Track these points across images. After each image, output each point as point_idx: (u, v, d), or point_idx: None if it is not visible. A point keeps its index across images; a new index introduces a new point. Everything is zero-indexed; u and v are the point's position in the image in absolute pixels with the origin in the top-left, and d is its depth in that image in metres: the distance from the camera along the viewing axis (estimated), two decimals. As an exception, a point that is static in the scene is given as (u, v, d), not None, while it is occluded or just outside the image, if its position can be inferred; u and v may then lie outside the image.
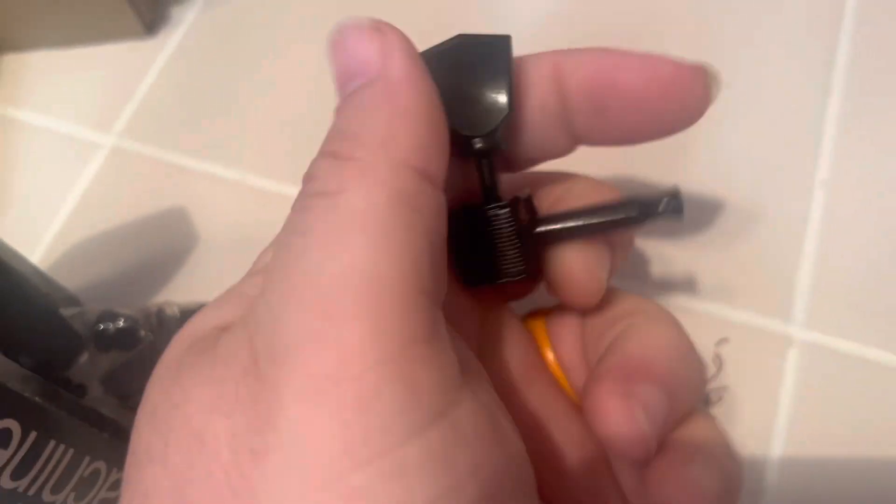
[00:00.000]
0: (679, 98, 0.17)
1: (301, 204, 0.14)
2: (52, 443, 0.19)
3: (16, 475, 0.18)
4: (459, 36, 0.18)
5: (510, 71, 0.17)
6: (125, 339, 0.25)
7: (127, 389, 0.25)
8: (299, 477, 0.12)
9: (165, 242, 0.30)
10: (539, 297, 0.20)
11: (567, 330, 0.20)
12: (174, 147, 0.32)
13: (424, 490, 0.12)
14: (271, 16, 0.35)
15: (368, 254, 0.13)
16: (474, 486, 0.13)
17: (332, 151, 0.15)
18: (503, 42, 0.17)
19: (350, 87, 0.16)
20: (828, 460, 0.24)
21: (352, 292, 0.13)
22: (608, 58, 0.17)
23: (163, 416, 0.14)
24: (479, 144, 0.17)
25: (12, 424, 0.17)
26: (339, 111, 0.16)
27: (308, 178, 0.15)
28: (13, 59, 0.35)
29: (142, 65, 0.34)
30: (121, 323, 0.26)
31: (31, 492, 0.18)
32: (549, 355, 0.20)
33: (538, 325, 0.21)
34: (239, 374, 0.13)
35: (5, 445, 0.17)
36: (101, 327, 0.26)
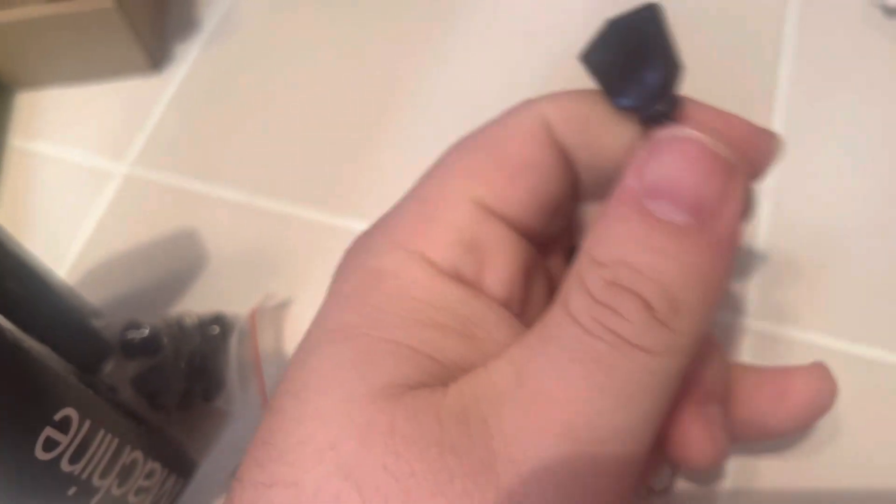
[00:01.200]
0: (752, 156, 0.18)
1: (603, 324, 0.15)
2: (101, 431, 0.21)
3: (73, 459, 0.20)
4: (609, 21, 0.17)
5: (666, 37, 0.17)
6: (149, 347, 0.28)
7: (154, 390, 0.27)
8: None
9: (178, 262, 0.33)
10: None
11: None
12: (183, 173, 0.35)
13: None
14: (270, 49, 0.38)
15: (642, 420, 0.15)
16: None
17: (645, 301, 0.15)
18: (651, 13, 0.17)
19: (658, 208, 0.15)
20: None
21: (613, 450, 0.14)
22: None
23: (368, 477, 0.14)
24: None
25: (71, 413, 0.20)
26: (636, 227, 0.15)
27: (618, 319, 0.15)
28: (29, 96, 0.38)
29: (150, 98, 0.37)
30: (145, 332, 0.28)
31: (84, 476, 0.21)
32: None
33: None
34: (470, 471, 0.14)
35: (66, 431, 0.20)
36: (127, 336, 0.28)
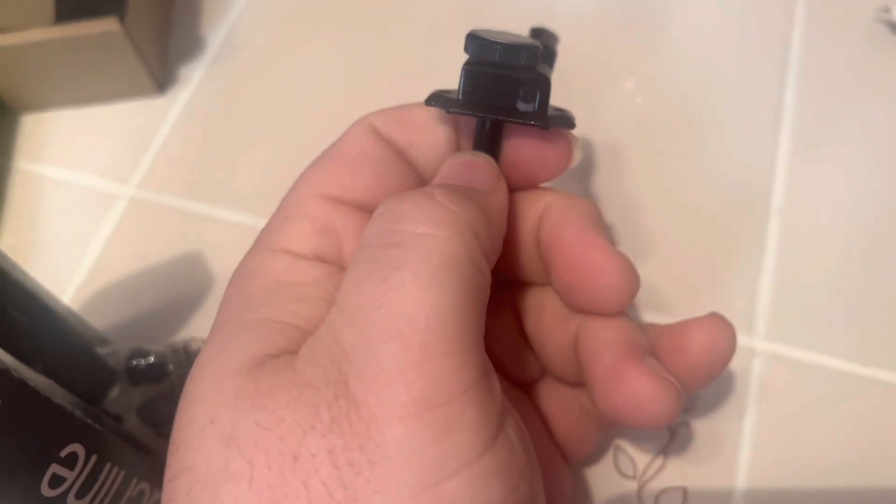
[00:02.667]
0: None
1: (389, 236, 0.17)
2: (108, 465, 0.21)
3: (79, 494, 0.20)
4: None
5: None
6: (155, 373, 0.28)
7: (160, 419, 0.27)
8: (400, 485, 0.14)
9: (184, 286, 0.33)
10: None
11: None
12: (189, 195, 0.35)
13: (499, 491, 0.15)
14: (274, 70, 0.38)
15: (457, 298, 0.16)
16: (525, 484, 0.16)
17: (428, 192, 0.18)
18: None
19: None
20: (795, 460, 0.27)
21: (444, 331, 0.15)
22: None
23: (245, 437, 0.15)
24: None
25: (77, 448, 0.20)
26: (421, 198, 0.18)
27: (396, 212, 0.17)
28: (34, 118, 0.38)
29: (155, 120, 0.37)
30: (151, 359, 0.28)
31: (90, 510, 0.21)
32: None
33: None
34: (330, 398, 0.15)
35: (72, 467, 0.20)
36: (133, 363, 0.28)
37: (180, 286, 0.33)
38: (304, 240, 0.20)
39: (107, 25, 0.34)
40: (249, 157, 0.36)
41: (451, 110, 0.21)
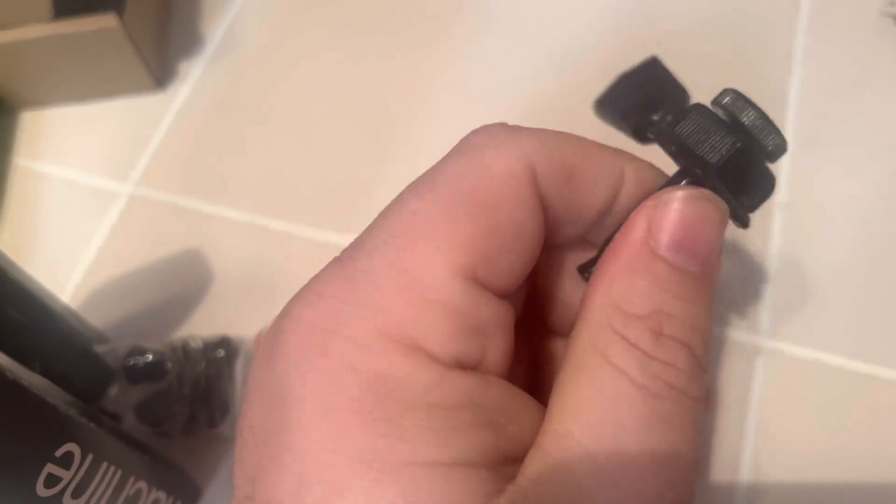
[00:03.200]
0: None
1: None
2: (104, 464, 0.21)
3: (75, 494, 0.20)
4: (621, 74, 0.19)
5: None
6: (154, 372, 0.28)
7: (158, 417, 0.27)
8: None
9: (182, 283, 0.33)
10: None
11: None
12: (188, 192, 0.34)
13: None
14: (273, 66, 0.38)
15: None
16: None
17: (692, 349, 0.16)
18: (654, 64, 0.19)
19: (678, 260, 0.16)
20: (799, 456, 0.26)
21: None
22: None
23: None
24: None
25: (73, 448, 0.20)
26: (665, 278, 0.16)
27: (667, 321, 0.15)
28: (33, 116, 0.38)
29: (154, 117, 0.37)
30: (149, 357, 0.28)
31: (87, 509, 0.21)
32: None
33: None
34: None
35: (68, 467, 0.19)
36: (131, 362, 0.28)
37: (179, 284, 0.33)
38: (446, 339, 0.15)
39: (105, 21, 0.34)
40: (249, 153, 0.35)
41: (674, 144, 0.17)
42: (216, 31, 0.39)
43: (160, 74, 0.37)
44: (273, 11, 0.39)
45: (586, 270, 0.18)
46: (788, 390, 0.27)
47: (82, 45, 0.35)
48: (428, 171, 0.17)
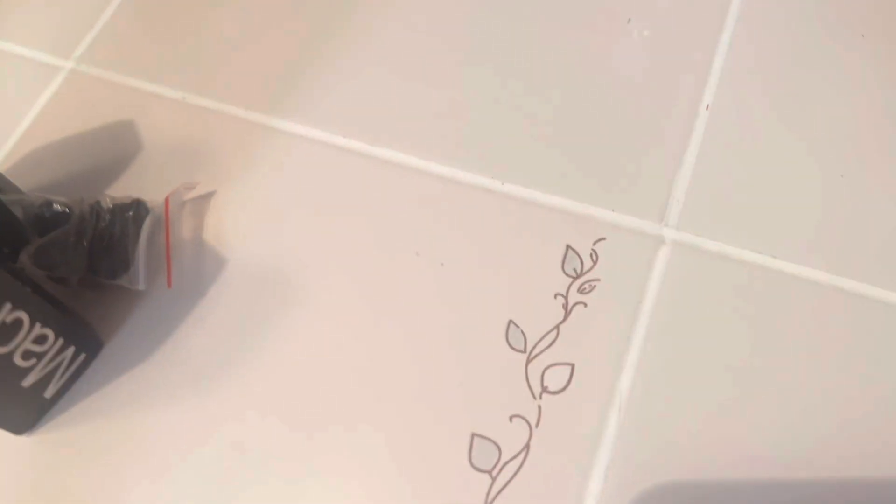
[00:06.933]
0: None
1: None
2: (7, 305, 0.21)
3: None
4: None
5: None
6: (59, 224, 0.28)
7: (52, 262, 0.27)
8: None
9: (111, 153, 0.33)
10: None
11: None
12: (128, 71, 0.35)
13: None
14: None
15: None
16: None
17: None
18: None
19: None
20: (687, 349, 0.26)
21: None
22: None
23: None
24: None
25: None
26: None
27: None
28: (-13, -8, 0.38)
29: (102, -2, 0.37)
30: (56, 208, 0.28)
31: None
32: None
33: None
34: None
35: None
36: (39, 212, 0.28)
37: (108, 153, 0.33)
38: None
39: None
40: (193, 35, 0.35)
41: None
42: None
43: (112, -43, 0.38)
44: None
45: None
46: (687, 282, 0.27)
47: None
48: None
